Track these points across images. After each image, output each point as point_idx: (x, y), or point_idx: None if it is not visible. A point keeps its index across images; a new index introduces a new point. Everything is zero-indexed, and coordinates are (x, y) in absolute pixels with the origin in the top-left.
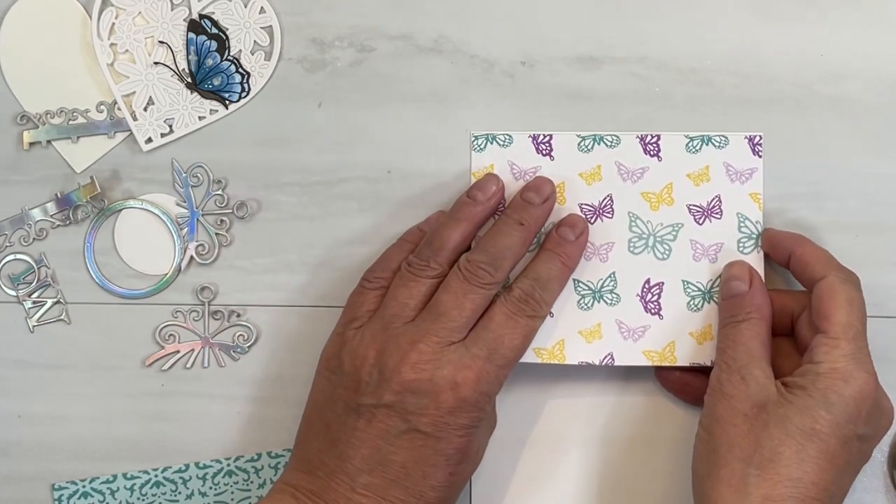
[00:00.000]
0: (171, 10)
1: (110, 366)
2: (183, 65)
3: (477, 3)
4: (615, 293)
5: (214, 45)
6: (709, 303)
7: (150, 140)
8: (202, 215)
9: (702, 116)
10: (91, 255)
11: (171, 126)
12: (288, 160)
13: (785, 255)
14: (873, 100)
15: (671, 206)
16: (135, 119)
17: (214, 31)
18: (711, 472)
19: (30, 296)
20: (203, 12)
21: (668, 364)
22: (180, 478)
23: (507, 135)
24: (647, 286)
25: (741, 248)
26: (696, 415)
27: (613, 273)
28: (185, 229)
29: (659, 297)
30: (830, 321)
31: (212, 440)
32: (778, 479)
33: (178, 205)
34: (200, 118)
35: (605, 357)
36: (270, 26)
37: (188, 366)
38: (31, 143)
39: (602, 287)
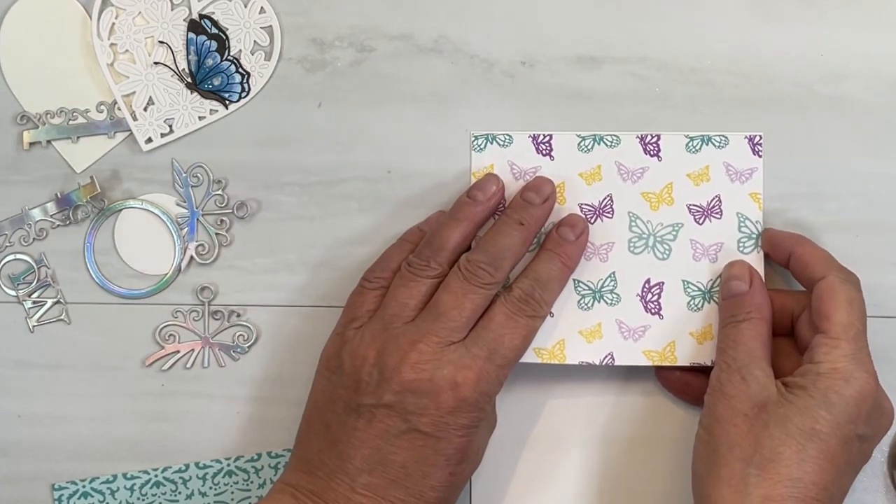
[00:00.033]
0: (171, 10)
1: (110, 366)
2: (183, 65)
3: (477, 3)
4: (615, 293)
5: (214, 45)
6: (709, 303)
7: (150, 140)
8: (202, 215)
9: (702, 116)
10: (91, 255)
11: (171, 126)
12: (288, 160)
13: (785, 255)
14: (873, 100)
15: (671, 206)
16: (135, 119)
17: (214, 31)
18: (711, 472)
19: (30, 296)
20: (203, 12)
21: (668, 364)
22: (180, 478)
23: (507, 135)
24: (647, 286)
25: (741, 248)
26: (696, 415)
27: (613, 273)
28: (185, 229)
29: (659, 296)
30: (831, 321)
31: (212, 440)
32: (778, 478)
33: (178, 205)
34: (200, 118)
35: (606, 357)
36: (270, 26)
37: (188, 366)
38: (31, 143)
39: (602, 287)
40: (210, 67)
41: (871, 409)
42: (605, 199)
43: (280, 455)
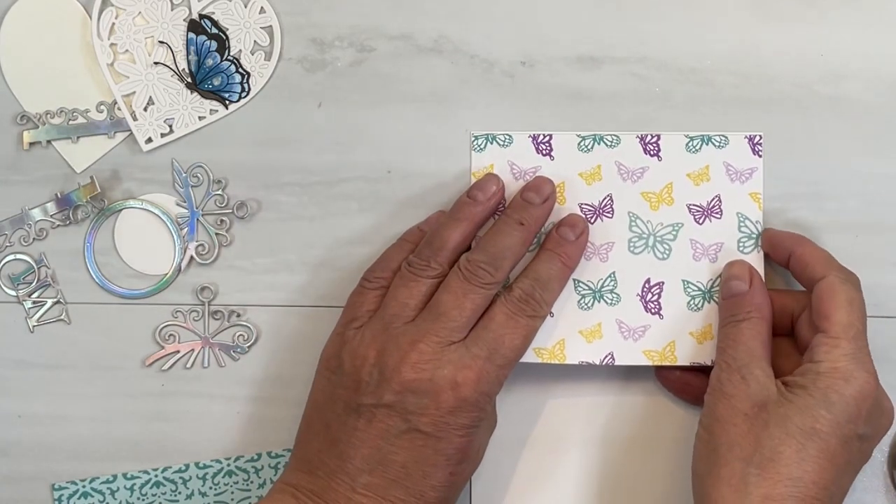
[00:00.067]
0: (171, 10)
1: (110, 366)
2: (183, 65)
3: (477, 3)
4: (615, 293)
5: (214, 45)
6: (709, 302)
7: (150, 140)
8: (202, 215)
9: (702, 116)
10: (91, 255)
11: (171, 126)
12: (288, 160)
13: (785, 255)
14: (873, 100)
15: (671, 206)
16: (135, 119)
17: (214, 31)
18: (711, 472)
19: (30, 296)
20: (203, 12)
21: (668, 364)
22: (180, 478)
23: (507, 135)
24: (647, 286)
25: (741, 248)
26: (696, 415)
27: (613, 273)
28: (185, 229)
29: (659, 296)
30: (831, 321)
31: (212, 440)
32: (778, 478)
33: (178, 205)
34: (200, 118)
35: (606, 357)
36: (270, 26)
37: (188, 366)
38: (31, 143)
39: (602, 287)
40: (210, 67)
41: (871, 409)
42: (605, 198)
43: (280, 455)
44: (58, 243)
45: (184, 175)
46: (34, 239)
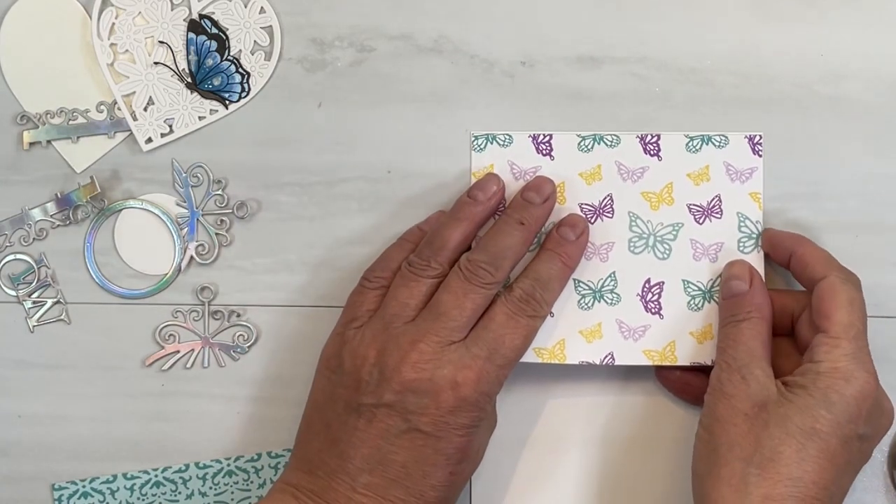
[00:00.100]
0: (171, 10)
1: (110, 366)
2: (183, 65)
3: (477, 3)
4: (615, 293)
5: (214, 45)
6: (709, 302)
7: (150, 140)
8: (202, 215)
9: (702, 116)
10: (91, 255)
11: (171, 126)
12: (288, 160)
13: (785, 255)
14: (873, 100)
15: (671, 206)
16: (135, 119)
17: (214, 31)
18: (711, 472)
19: (30, 296)
20: (203, 12)
21: (668, 363)
22: (180, 478)
23: (507, 135)
24: (647, 286)
25: (741, 248)
26: (696, 415)
27: (614, 273)
28: (185, 229)
29: (659, 296)
30: (831, 321)
31: (212, 440)
32: (778, 478)
33: (178, 205)
34: (200, 118)
35: (606, 357)
36: (270, 26)
37: (188, 366)
38: (31, 143)
39: (602, 287)
40: (210, 67)
41: (871, 409)
42: (605, 198)
43: (280, 455)
44: (58, 243)
45: (184, 175)
46: (34, 239)
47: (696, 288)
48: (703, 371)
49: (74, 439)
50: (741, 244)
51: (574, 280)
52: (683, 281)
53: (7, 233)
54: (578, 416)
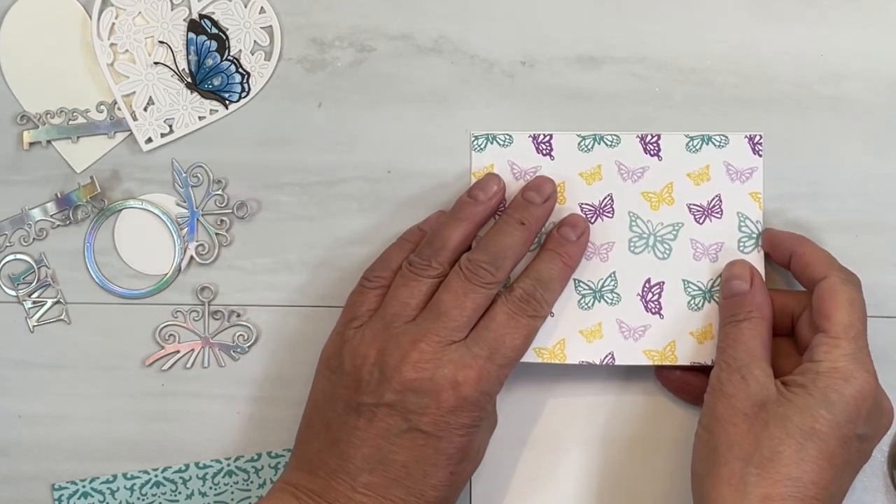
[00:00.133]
0: (171, 10)
1: (110, 366)
2: (183, 65)
3: (477, 3)
4: (616, 293)
5: (214, 45)
6: (709, 302)
7: (150, 140)
8: (202, 215)
9: (702, 116)
10: (91, 255)
11: (171, 126)
12: (288, 160)
13: (786, 255)
14: (873, 100)
15: (671, 206)
16: (135, 119)
17: (214, 31)
18: (711, 472)
19: (30, 296)
20: (203, 12)
21: (668, 363)
22: (180, 478)
23: (508, 135)
24: (647, 286)
25: (741, 248)
26: (696, 414)
27: (614, 273)
28: (185, 229)
29: (659, 296)
30: (831, 321)
31: (212, 440)
32: (777, 478)
33: (178, 205)
34: (200, 118)
35: (606, 356)
36: (270, 26)
37: (188, 366)
38: (31, 143)
39: (602, 287)
40: (210, 67)
41: (870, 409)
42: (605, 198)
43: (280, 455)
44: (58, 243)
45: (184, 175)
46: (34, 239)
47: (696, 288)
48: (702, 371)
49: (74, 439)
50: (741, 244)
51: (574, 280)
52: (684, 281)
53: (7, 233)
54: (578, 416)
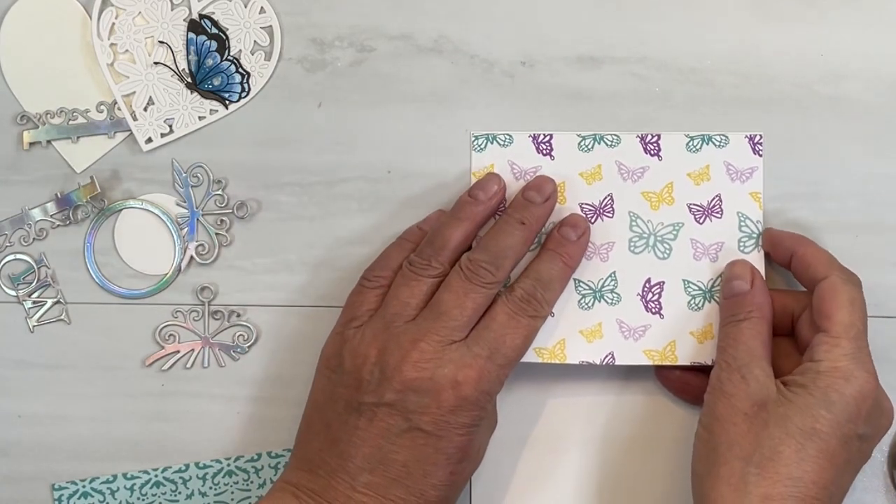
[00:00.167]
0: (171, 10)
1: (110, 366)
2: (183, 65)
3: (477, 3)
4: (616, 293)
5: (214, 45)
6: (709, 302)
7: (150, 140)
8: (202, 215)
9: (702, 116)
10: (91, 255)
11: (171, 126)
12: (288, 160)
13: (786, 255)
14: (873, 100)
15: (672, 206)
16: (135, 119)
17: (214, 31)
18: (711, 471)
19: (30, 296)
20: (203, 12)
21: (668, 363)
22: (180, 478)
23: (508, 135)
24: (647, 285)
25: (742, 248)
26: (696, 414)
27: (614, 272)
28: (185, 229)
29: (660, 296)
30: (832, 320)
31: (212, 440)
32: (777, 477)
33: (178, 205)
34: (200, 118)
35: (606, 356)
36: (270, 26)
37: (188, 366)
38: (31, 143)
39: (603, 287)
40: (210, 67)
41: (870, 409)
42: (605, 198)
43: (280, 455)
44: (58, 243)
45: (184, 175)
46: (34, 239)
47: (696, 288)
48: (702, 371)
49: (74, 439)
50: (741, 244)
51: (574, 280)
52: (684, 281)
53: (7, 233)
54: (578, 416)
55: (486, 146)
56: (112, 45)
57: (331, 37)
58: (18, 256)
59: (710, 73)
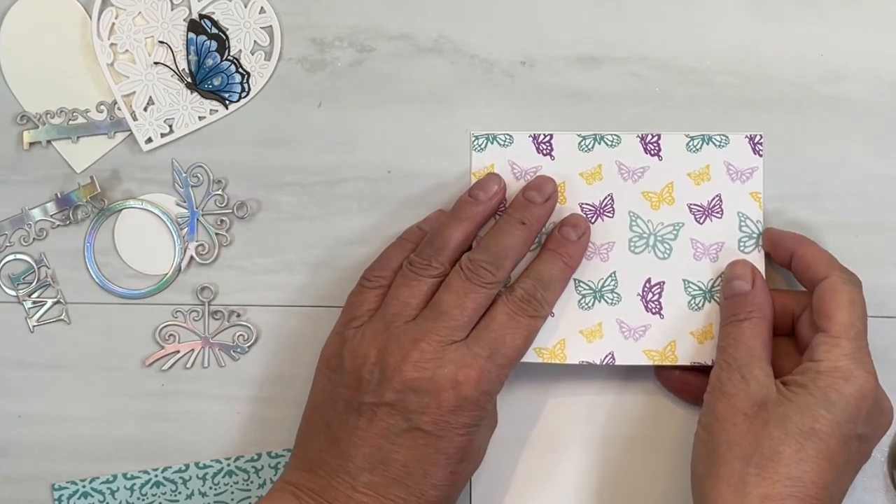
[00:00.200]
0: (171, 10)
1: (110, 366)
2: (183, 65)
3: (477, 3)
4: (616, 293)
5: (214, 45)
6: (709, 302)
7: (150, 140)
8: (202, 215)
9: (702, 116)
10: (91, 255)
11: (171, 126)
12: (288, 160)
13: (787, 255)
14: (873, 100)
15: (672, 206)
16: (135, 119)
17: (214, 31)
18: (711, 471)
19: (30, 296)
20: (203, 12)
21: (668, 363)
22: (180, 478)
23: (508, 135)
24: (647, 285)
25: (742, 248)
26: (696, 414)
27: (614, 272)
28: (185, 229)
29: (660, 296)
30: (832, 320)
31: (212, 440)
32: (777, 477)
33: (178, 205)
34: (200, 118)
35: (606, 356)
36: (270, 26)
37: (188, 366)
38: (31, 143)
39: (603, 286)
40: (210, 67)
41: (870, 409)
42: (605, 198)
43: (280, 455)
44: (58, 243)
45: (184, 175)
46: (34, 239)
47: (696, 288)
48: (702, 371)
49: (74, 439)
50: (742, 244)
51: (574, 280)
52: (684, 280)
53: (7, 233)
54: (578, 416)
55: (486, 146)
56: (112, 45)
57: (331, 37)
58: (18, 256)
59: (710, 73)
